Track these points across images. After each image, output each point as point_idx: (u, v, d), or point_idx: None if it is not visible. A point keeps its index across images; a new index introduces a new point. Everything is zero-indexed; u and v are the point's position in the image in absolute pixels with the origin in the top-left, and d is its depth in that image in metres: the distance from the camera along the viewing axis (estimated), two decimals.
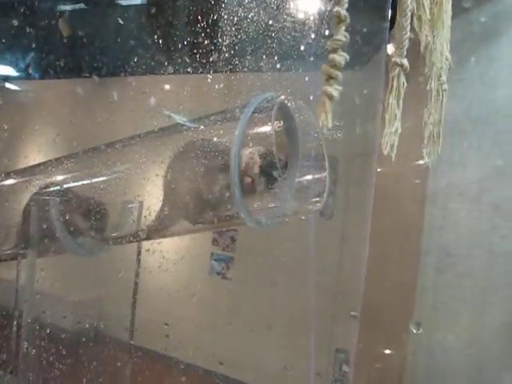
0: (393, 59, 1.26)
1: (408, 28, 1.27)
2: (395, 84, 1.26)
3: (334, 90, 1.15)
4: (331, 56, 1.15)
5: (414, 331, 3.08)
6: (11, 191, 1.95)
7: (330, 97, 1.14)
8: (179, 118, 1.60)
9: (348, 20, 1.15)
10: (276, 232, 1.51)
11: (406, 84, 1.26)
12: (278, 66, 2.05)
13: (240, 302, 5.86)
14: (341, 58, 1.15)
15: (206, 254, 6.34)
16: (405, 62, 1.26)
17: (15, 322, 2.77)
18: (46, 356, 2.30)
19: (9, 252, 2.00)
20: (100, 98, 5.92)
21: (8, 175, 2.09)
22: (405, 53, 1.26)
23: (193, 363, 5.54)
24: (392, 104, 1.26)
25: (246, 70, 2.11)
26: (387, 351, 3.64)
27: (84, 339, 4.23)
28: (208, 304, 6.07)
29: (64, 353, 2.57)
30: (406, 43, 1.26)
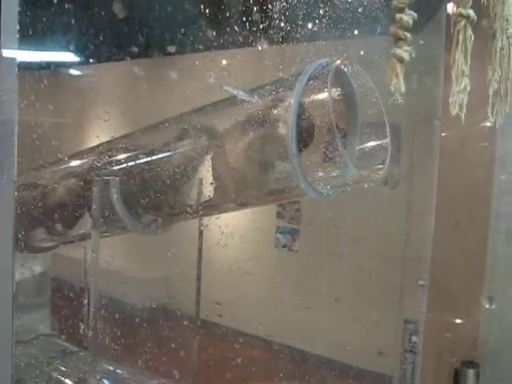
0: (457, 10, 1.18)
1: None
2: (461, 38, 1.18)
3: (404, 51, 1.10)
4: (398, 16, 1.09)
5: (487, 306, 2.98)
6: (74, 172, 1.98)
7: (401, 59, 1.09)
8: (234, 92, 1.57)
9: None
10: (341, 202, 1.47)
11: (472, 37, 1.19)
12: (333, 32, 1.99)
13: (307, 274, 5.84)
14: (408, 17, 1.09)
15: (271, 227, 6.35)
16: (471, 12, 1.18)
17: (86, 301, 2.84)
18: (118, 332, 2.34)
19: (76, 233, 2.04)
20: (156, 78, 5.96)
21: (71, 157, 2.12)
22: (470, 3, 1.18)
23: (261, 336, 5.58)
24: (459, 60, 1.19)
25: (299, 39, 2.05)
26: (458, 321, 3.56)
27: (152, 316, 4.32)
28: (275, 277, 6.09)
29: (134, 328, 2.62)
30: None
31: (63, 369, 2.34)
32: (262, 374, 4.68)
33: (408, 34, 1.09)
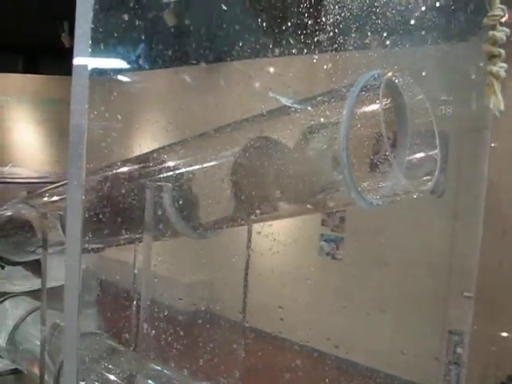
0: None
1: None
2: None
3: (500, 68, 1.11)
4: (491, 33, 1.11)
5: None
6: (127, 178, 2.04)
7: (497, 76, 1.10)
8: (286, 100, 1.60)
9: None
10: (386, 211, 1.49)
11: None
12: (385, 42, 2.01)
13: (351, 283, 5.84)
14: (501, 33, 1.11)
15: (315, 234, 6.37)
16: None
17: (134, 303, 2.91)
18: (164, 336, 2.40)
19: (127, 236, 2.10)
20: (207, 84, 6.06)
21: (124, 163, 2.19)
22: None
23: (306, 345, 5.59)
24: None
25: (351, 48, 2.08)
26: (504, 334, 3.52)
27: (199, 321, 4.38)
28: (318, 285, 6.10)
29: (180, 333, 2.67)
30: None
31: (110, 367, 2.41)
32: (304, 380, 4.69)
33: (502, 51, 1.10)
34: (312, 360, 5.57)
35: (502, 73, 1.09)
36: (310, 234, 6.28)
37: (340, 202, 1.56)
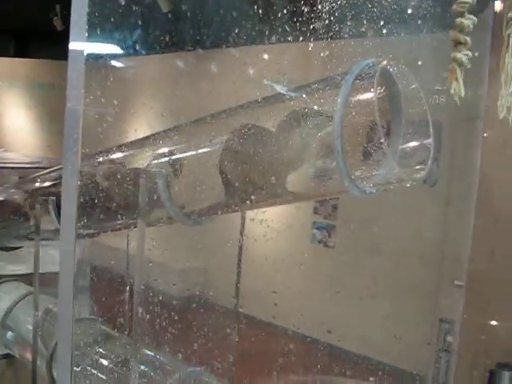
0: (509, 14, 1.20)
1: None
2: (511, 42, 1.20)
3: (464, 55, 1.12)
4: (458, 20, 1.12)
5: None
6: (122, 164, 2.04)
7: (460, 63, 1.11)
8: (281, 88, 1.61)
9: None
10: (379, 200, 1.50)
11: None
12: (380, 30, 2.01)
13: (342, 271, 5.86)
14: (468, 21, 1.12)
15: (307, 222, 6.39)
16: None
17: (128, 288, 2.93)
18: (158, 321, 2.41)
19: (121, 222, 2.11)
20: (202, 71, 6.04)
21: (119, 148, 2.18)
22: None
23: (298, 331, 5.63)
24: (509, 64, 1.20)
25: (346, 36, 2.07)
26: (494, 322, 3.54)
27: (192, 306, 4.39)
28: (310, 272, 6.13)
29: (174, 318, 2.68)
30: None
31: (104, 352, 2.42)
32: (294, 366, 4.72)
33: (468, 39, 1.11)
34: (304, 345, 5.60)
35: (465, 60, 1.09)
36: (302, 222, 6.29)
37: (332, 189, 1.57)
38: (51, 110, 10.77)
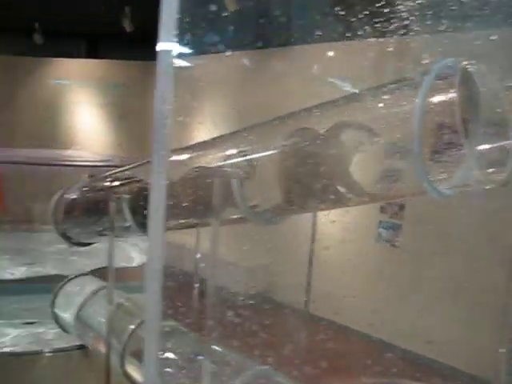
0: None
1: None
2: None
3: None
4: None
5: None
6: (193, 164, 2.08)
7: None
8: (356, 88, 1.60)
9: None
10: (447, 200, 1.46)
11: None
12: (457, 26, 1.96)
13: (409, 271, 5.77)
14: None
15: (373, 221, 6.31)
16: None
17: (196, 285, 2.97)
18: (229, 317, 2.44)
19: (194, 220, 2.15)
20: (270, 69, 6.05)
21: (189, 148, 2.22)
22: None
23: (355, 329, 5.58)
24: None
25: (421, 32, 2.04)
26: None
27: (259, 303, 4.42)
28: (376, 272, 6.06)
29: (242, 314, 2.71)
30: None
31: (173, 347, 2.47)
32: (363, 367, 4.69)
33: None
34: (365, 345, 5.57)
35: None
36: (368, 221, 6.23)
37: (399, 192, 1.56)
38: (121, 109, 11.04)
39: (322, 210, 1.98)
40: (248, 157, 1.84)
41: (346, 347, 5.24)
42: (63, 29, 10.52)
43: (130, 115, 10.88)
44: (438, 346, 5.20)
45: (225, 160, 1.89)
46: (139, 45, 10.99)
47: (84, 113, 11.35)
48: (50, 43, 10.56)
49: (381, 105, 1.44)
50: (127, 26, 8.96)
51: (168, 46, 0.91)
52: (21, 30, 10.43)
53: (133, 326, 2.76)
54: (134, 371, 2.74)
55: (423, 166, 1.26)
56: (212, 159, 1.95)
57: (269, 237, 3.12)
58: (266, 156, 1.80)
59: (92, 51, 11.87)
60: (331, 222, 2.65)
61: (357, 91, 1.64)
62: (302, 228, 2.27)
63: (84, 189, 3.27)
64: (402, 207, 6.10)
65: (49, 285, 3.93)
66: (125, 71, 11.17)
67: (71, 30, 10.72)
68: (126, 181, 2.77)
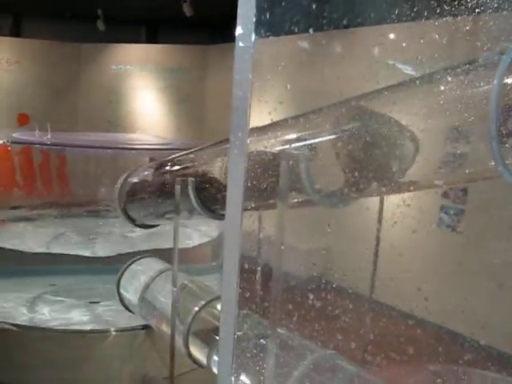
0: None
1: None
2: None
3: None
4: None
5: None
6: (259, 146, 2.08)
7: None
8: (425, 70, 1.57)
9: None
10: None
11: None
12: None
13: (470, 256, 5.66)
14: None
15: (435, 206, 6.21)
16: None
17: (259, 269, 2.99)
18: (290, 301, 2.44)
19: (259, 204, 2.15)
20: (332, 52, 5.99)
21: (254, 131, 2.23)
22: None
23: (417, 316, 5.52)
24: None
25: (492, 11, 1.97)
26: None
27: (320, 287, 4.41)
28: (437, 257, 5.97)
29: (299, 299, 2.71)
30: None
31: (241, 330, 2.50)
32: (422, 354, 4.64)
33: None
34: (425, 333, 5.50)
35: None
36: (430, 206, 6.13)
37: (470, 176, 1.53)
38: (181, 93, 11.16)
39: (384, 194, 1.96)
40: (311, 141, 1.84)
41: (400, 332, 5.19)
42: (124, 15, 10.68)
43: (190, 99, 10.99)
44: (498, 334, 5.10)
45: (287, 144, 1.89)
46: (198, 29, 11.10)
47: (144, 97, 11.52)
48: (112, 29, 10.75)
49: (454, 86, 1.41)
50: (187, 10, 9.02)
51: (247, 30, 0.91)
52: (84, 17, 10.64)
53: (197, 308, 2.81)
54: (197, 351, 2.80)
55: (499, 149, 1.23)
56: (278, 142, 1.95)
57: (335, 221, 3.10)
58: (328, 140, 1.79)
59: (152, 36, 12.02)
60: (390, 206, 2.62)
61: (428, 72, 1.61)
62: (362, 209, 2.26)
63: (148, 172, 3.33)
64: (465, 191, 5.97)
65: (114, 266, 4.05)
66: (184, 55, 11.26)
67: (132, 16, 10.87)
68: (191, 164, 2.80)
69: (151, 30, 12.05)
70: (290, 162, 1.72)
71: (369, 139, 1.62)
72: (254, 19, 0.90)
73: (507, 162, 1.32)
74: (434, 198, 6.19)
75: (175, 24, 10.92)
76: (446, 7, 2.03)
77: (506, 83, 1.28)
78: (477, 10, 1.83)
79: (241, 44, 0.90)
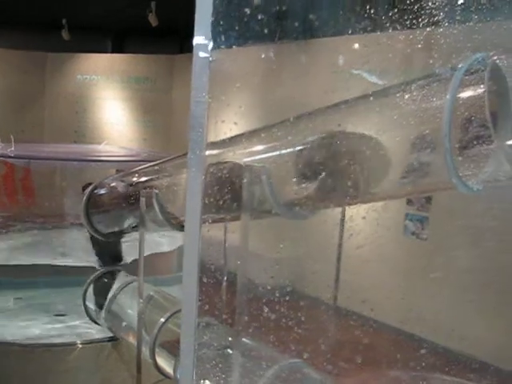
0: None
1: None
2: None
3: None
4: None
5: None
6: (221, 159, 2.10)
7: None
8: (384, 83, 1.61)
9: None
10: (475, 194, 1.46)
11: None
12: (486, 16, 1.94)
13: (435, 263, 5.74)
14: None
15: (400, 214, 6.29)
16: None
17: (225, 278, 3.00)
18: (256, 310, 2.45)
19: (222, 216, 2.17)
20: (295, 63, 6.04)
21: (216, 144, 2.24)
22: None
23: (381, 321, 5.57)
24: None
25: (448, 23, 2.01)
26: None
27: (286, 297, 4.43)
28: (402, 265, 6.04)
29: (268, 308, 2.73)
30: None
31: (204, 340, 2.50)
32: (389, 360, 4.69)
33: None
34: (390, 339, 5.56)
35: None
36: (394, 214, 6.21)
37: (427, 187, 1.57)
38: (147, 103, 11.12)
39: (348, 205, 2.00)
40: (275, 153, 1.86)
41: (372, 340, 5.23)
42: (90, 25, 10.63)
43: (156, 109, 10.96)
44: (464, 339, 5.18)
45: (250, 156, 1.91)
46: (164, 39, 11.09)
47: (110, 107, 11.45)
48: (77, 39, 10.68)
49: (409, 100, 1.44)
50: (152, 20, 9.02)
51: (204, 40, 0.92)
52: (49, 26, 10.55)
53: (163, 319, 2.81)
54: (164, 362, 2.79)
55: (452, 161, 1.26)
56: (239, 155, 1.97)
57: (297, 231, 3.13)
58: (292, 152, 1.82)
59: (118, 46, 11.97)
60: (355, 214, 2.66)
61: (384, 85, 1.64)
62: (327, 219, 2.29)
63: (114, 184, 3.32)
64: (429, 200, 6.06)
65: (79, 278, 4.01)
66: (150, 65, 11.23)
67: (97, 25, 10.81)
68: (156, 176, 2.81)
69: (117, 40, 12.00)
70: (253, 175, 1.75)
71: (332, 152, 1.65)
72: (210, 29, 0.92)
73: (467, 173, 1.36)
74: (399, 205, 6.27)
75: (141, 33, 10.90)
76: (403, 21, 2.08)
77: (465, 96, 1.32)
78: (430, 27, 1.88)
79: (198, 53, 0.91)
